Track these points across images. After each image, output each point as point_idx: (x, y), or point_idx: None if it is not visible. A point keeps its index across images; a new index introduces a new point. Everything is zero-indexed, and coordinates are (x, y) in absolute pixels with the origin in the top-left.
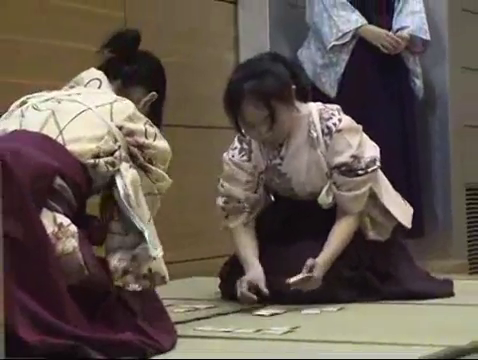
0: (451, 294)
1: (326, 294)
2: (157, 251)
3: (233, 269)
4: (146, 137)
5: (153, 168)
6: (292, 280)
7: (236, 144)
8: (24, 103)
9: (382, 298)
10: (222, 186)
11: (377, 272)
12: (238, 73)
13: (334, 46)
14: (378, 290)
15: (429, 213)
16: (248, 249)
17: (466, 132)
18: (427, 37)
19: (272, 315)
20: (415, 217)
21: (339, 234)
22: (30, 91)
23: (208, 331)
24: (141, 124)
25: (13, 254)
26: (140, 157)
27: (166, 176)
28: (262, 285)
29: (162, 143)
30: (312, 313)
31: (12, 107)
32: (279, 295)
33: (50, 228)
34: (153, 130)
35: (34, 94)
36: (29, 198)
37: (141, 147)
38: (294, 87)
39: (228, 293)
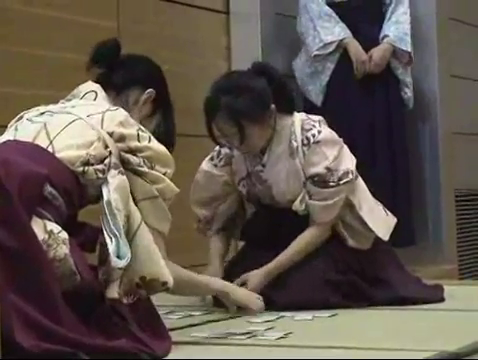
0: (441, 299)
1: (316, 299)
2: (123, 261)
3: (227, 276)
4: (139, 141)
5: (146, 170)
6: None
7: (217, 147)
8: (21, 118)
9: (373, 303)
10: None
11: (366, 277)
12: (219, 84)
13: (317, 55)
14: (368, 295)
15: (419, 219)
16: (213, 251)
17: (455, 139)
18: (407, 48)
19: (265, 321)
20: (405, 227)
21: (297, 243)
22: (21, 101)
23: (202, 337)
24: (133, 129)
25: (6, 262)
26: (132, 161)
27: (166, 179)
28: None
29: (158, 145)
30: (305, 319)
31: (11, 123)
32: (270, 302)
33: (40, 236)
34: (146, 134)
35: (31, 109)
36: (19, 206)
37: (134, 151)
38: (273, 106)
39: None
